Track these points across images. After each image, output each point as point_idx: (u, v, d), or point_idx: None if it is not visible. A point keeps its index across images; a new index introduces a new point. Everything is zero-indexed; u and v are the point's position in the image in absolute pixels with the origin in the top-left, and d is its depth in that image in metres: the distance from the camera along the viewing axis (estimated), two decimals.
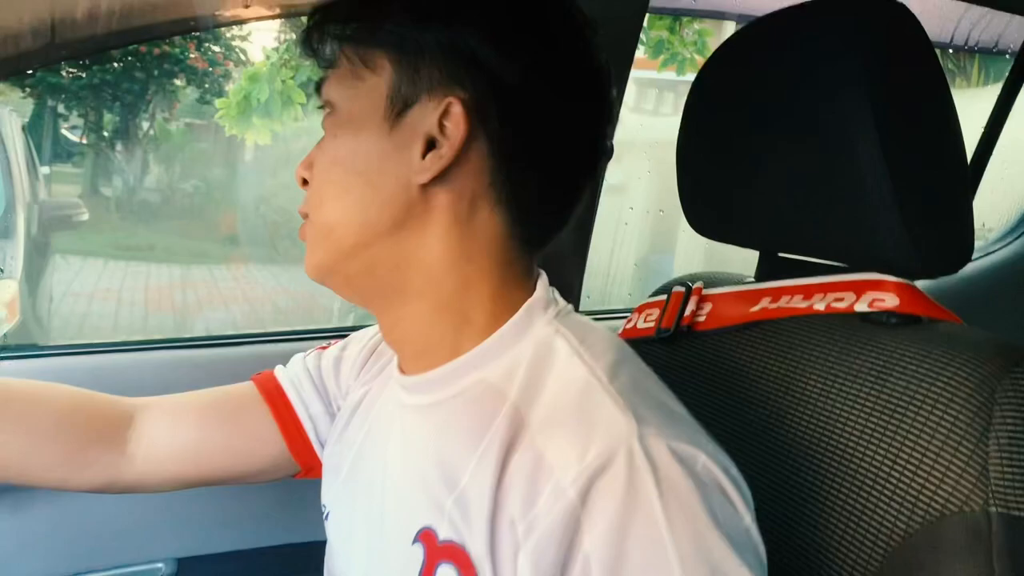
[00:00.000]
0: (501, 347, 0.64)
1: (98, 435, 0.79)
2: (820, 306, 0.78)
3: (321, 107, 0.67)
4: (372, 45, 0.63)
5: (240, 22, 0.96)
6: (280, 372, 0.84)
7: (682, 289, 0.91)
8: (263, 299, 4.09)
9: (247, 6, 0.93)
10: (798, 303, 0.80)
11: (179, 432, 0.81)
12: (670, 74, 2.57)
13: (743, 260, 0.93)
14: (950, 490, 0.61)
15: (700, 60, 2.50)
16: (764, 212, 0.81)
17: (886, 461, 0.66)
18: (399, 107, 0.62)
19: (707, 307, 0.89)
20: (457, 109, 0.61)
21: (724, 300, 0.88)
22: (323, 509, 0.79)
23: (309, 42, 0.66)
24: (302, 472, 0.84)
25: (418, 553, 0.62)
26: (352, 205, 0.64)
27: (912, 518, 0.63)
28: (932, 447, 0.63)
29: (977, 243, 1.48)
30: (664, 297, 0.94)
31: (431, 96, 0.61)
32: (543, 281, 0.68)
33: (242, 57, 4.47)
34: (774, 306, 0.82)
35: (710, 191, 0.88)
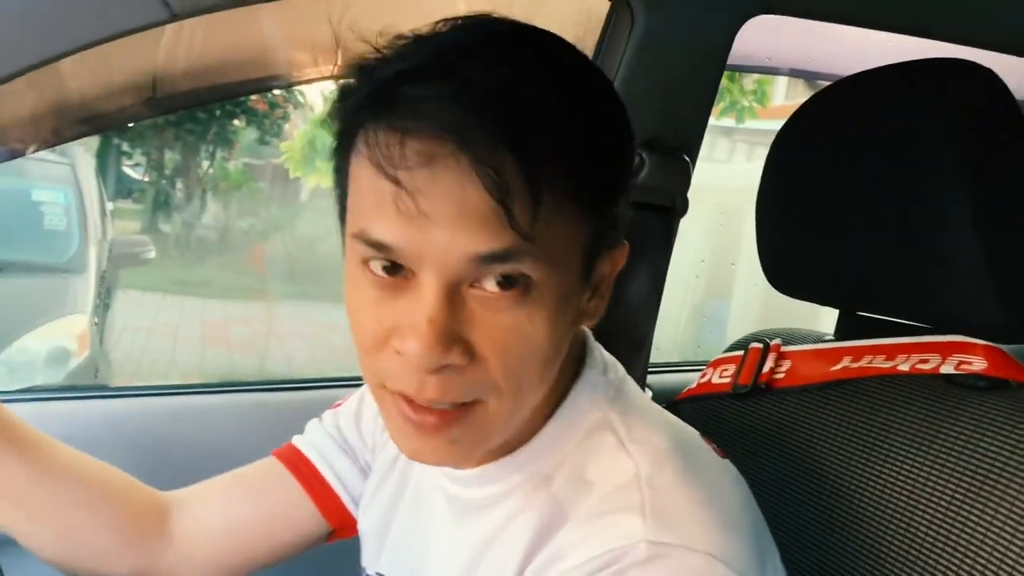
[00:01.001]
0: (556, 437, 0.62)
1: (140, 524, 0.77)
2: (904, 367, 0.78)
3: (504, 282, 0.52)
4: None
5: (325, 79, 1.00)
6: (298, 440, 0.83)
7: (759, 345, 0.92)
8: (316, 335, 4.14)
9: (336, 71, 0.96)
10: (881, 363, 0.80)
11: (209, 515, 0.79)
12: (728, 121, 2.59)
13: (801, 310, 0.92)
14: None
15: (759, 108, 2.52)
16: (845, 270, 0.82)
17: (980, 525, 0.65)
18: (589, 266, 0.57)
19: (786, 364, 0.89)
20: (623, 251, 0.61)
21: (803, 358, 0.88)
22: (363, 573, 0.78)
23: (504, 192, 0.49)
24: (335, 534, 0.82)
25: None
26: (548, 375, 0.58)
27: None
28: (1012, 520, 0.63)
29: None
30: (740, 353, 0.94)
31: (611, 247, 0.59)
32: (591, 344, 0.66)
33: (300, 99, 4.59)
34: (856, 365, 0.82)
35: (790, 246, 0.88)
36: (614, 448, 0.59)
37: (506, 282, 0.52)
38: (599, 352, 0.66)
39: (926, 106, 0.73)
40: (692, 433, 0.65)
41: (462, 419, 0.55)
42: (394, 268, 0.52)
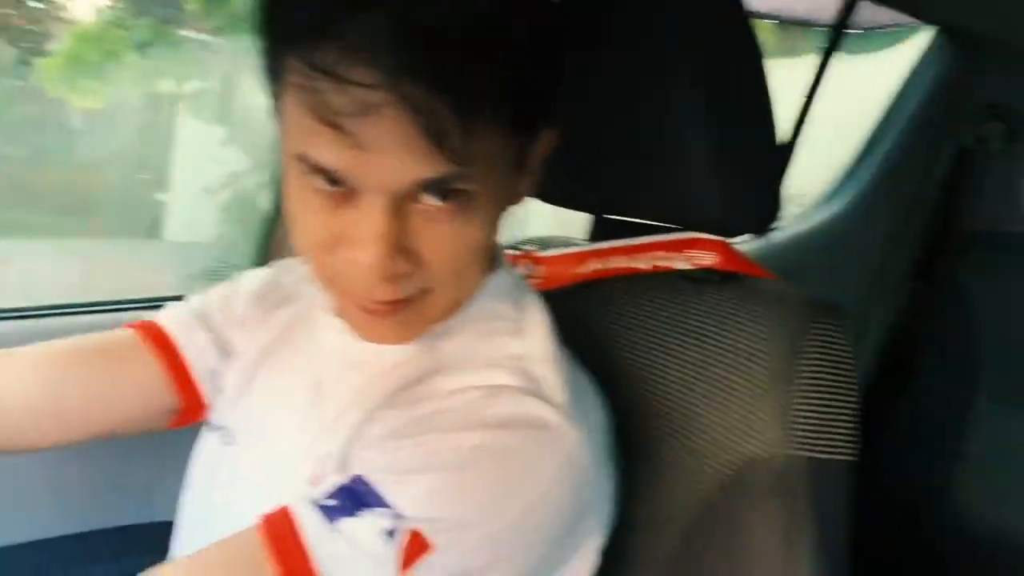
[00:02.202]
0: (463, 323, 0.67)
1: None
2: (645, 265, 0.80)
3: (443, 197, 0.56)
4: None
5: None
6: (155, 314, 0.79)
7: (514, 252, 0.92)
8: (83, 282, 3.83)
9: None
10: (624, 263, 0.82)
11: (33, 374, 0.74)
12: None
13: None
14: (758, 437, 0.65)
15: None
16: (593, 175, 0.83)
17: (703, 412, 0.69)
18: (522, 161, 0.62)
19: (540, 270, 0.90)
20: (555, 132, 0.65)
21: (555, 263, 0.89)
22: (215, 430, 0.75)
23: (440, 133, 0.52)
24: (180, 416, 0.78)
25: None
26: (486, 260, 0.67)
27: (725, 466, 0.66)
28: (743, 397, 0.66)
29: (795, 209, 1.57)
30: None
31: (543, 134, 0.63)
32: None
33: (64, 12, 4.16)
34: (602, 267, 0.84)
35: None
36: (506, 333, 0.65)
37: (445, 197, 0.56)
38: (503, 249, 0.71)
39: (654, 5, 0.74)
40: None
41: (410, 305, 0.60)
42: (337, 182, 0.55)
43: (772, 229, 0.77)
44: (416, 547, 0.55)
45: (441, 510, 0.56)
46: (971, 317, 1.41)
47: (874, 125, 1.53)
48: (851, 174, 1.54)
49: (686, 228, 0.79)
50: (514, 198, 0.65)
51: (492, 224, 0.62)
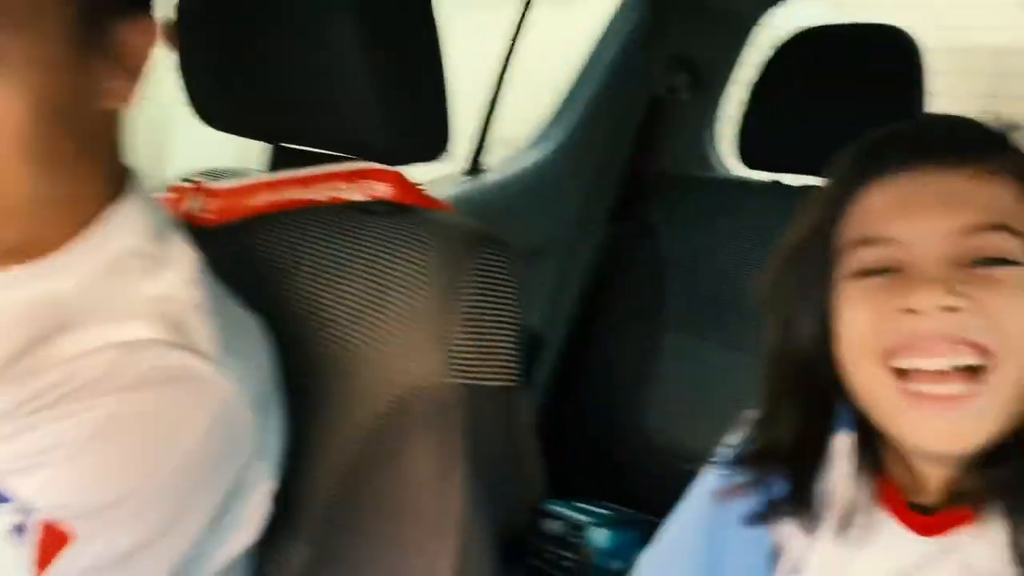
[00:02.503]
0: (78, 257, 0.59)
1: None
2: (320, 196, 0.77)
3: None
4: None
5: None
6: None
7: (184, 184, 0.86)
8: None
9: None
10: (300, 194, 0.79)
11: None
12: None
13: None
14: (418, 366, 0.64)
15: None
16: (264, 101, 0.78)
17: (369, 345, 0.68)
18: (97, 33, 0.56)
19: (212, 203, 0.84)
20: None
21: (229, 195, 0.83)
22: None
23: None
24: None
25: None
26: (39, 161, 0.54)
27: (387, 397, 0.65)
28: (407, 327, 0.66)
29: (504, 152, 1.60)
30: (169, 195, 0.87)
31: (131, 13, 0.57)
32: (140, 175, 0.64)
33: None
34: (276, 198, 0.80)
35: (214, 74, 0.82)
36: (142, 272, 0.58)
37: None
38: (146, 187, 0.64)
39: None
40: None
41: None
42: None
43: (441, 157, 0.77)
44: (54, 540, 0.49)
45: (76, 495, 0.50)
46: (660, 256, 1.52)
47: (577, 72, 1.59)
48: (556, 120, 1.59)
49: (357, 157, 0.77)
50: (104, 97, 0.57)
51: (42, 103, 0.52)
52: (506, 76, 1.43)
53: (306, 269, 0.73)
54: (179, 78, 0.84)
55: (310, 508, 0.67)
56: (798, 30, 1.35)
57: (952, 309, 0.56)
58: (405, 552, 0.63)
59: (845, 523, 0.63)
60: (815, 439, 0.66)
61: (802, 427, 0.66)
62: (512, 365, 0.67)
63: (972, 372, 0.57)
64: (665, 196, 1.58)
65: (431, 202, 0.77)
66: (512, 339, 0.67)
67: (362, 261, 0.71)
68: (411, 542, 0.63)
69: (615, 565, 1.27)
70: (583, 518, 1.26)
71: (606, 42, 1.56)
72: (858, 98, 1.30)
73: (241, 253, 0.79)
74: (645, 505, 1.35)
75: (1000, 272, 0.57)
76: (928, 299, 0.56)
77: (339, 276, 0.71)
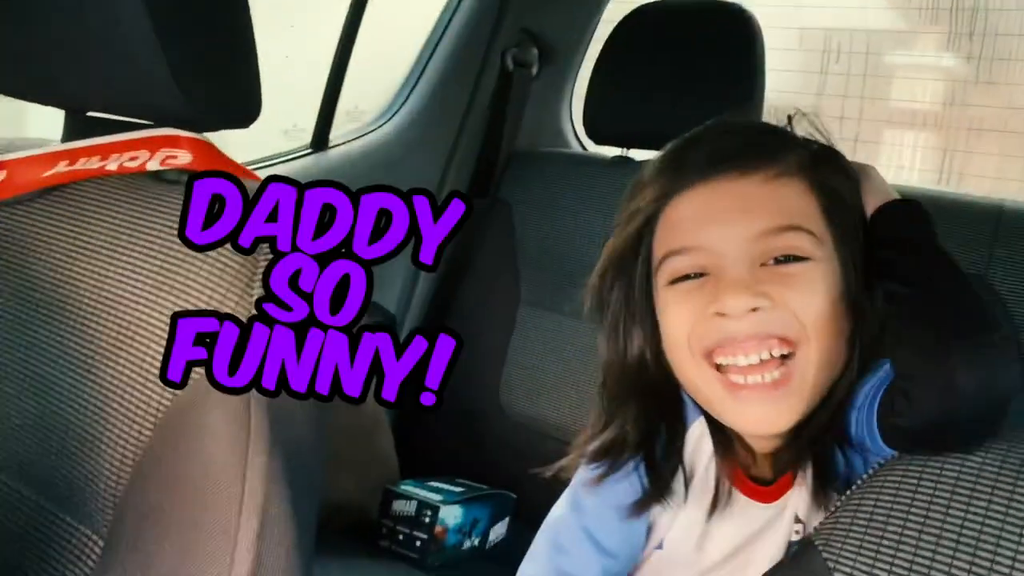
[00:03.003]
0: None
1: None
2: (113, 166, 0.72)
3: None
4: None
5: None
6: None
7: None
8: None
9: None
10: (94, 164, 0.73)
11: None
12: None
13: None
14: None
15: None
16: (57, 64, 0.72)
17: (164, 322, 0.63)
18: None
19: (2, 175, 0.77)
20: None
21: (20, 166, 0.77)
22: None
23: None
24: None
25: None
26: None
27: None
28: (204, 299, 0.62)
29: (353, 125, 1.56)
30: None
31: None
32: None
33: None
34: (69, 169, 0.74)
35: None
36: None
37: None
38: None
39: None
40: None
41: None
42: None
43: (247, 123, 0.73)
44: None
45: None
46: (512, 231, 1.51)
47: (426, 43, 1.55)
48: (403, 93, 1.56)
49: (158, 124, 0.72)
50: None
51: None
52: (350, 48, 1.39)
53: (102, 243, 0.68)
54: None
55: (100, 496, 0.63)
56: (638, 5, 1.37)
57: (757, 309, 0.65)
58: (204, 535, 0.59)
59: (703, 501, 0.73)
60: (661, 430, 0.75)
61: (643, 423, 0.74)
62: None
63: (783, 357, 0.66)
64: (517, 172, 1.57)
65: (238, 170, 0.73)
66: None
67: (157, 234, 0.66)
68: (210, 524, 0.59)
69: (467, 543, 1.26)
70: (434, 496, 1.24)
71: (454, 13, 1.53)
72: (699, 73, 1.33)
73: (31, 229, 0.73)
74: (504, 477, 1.35)
75: (794, 268, 0.66)
76: (735, 304, 0.65)
77: (135, 249, 0.67)
